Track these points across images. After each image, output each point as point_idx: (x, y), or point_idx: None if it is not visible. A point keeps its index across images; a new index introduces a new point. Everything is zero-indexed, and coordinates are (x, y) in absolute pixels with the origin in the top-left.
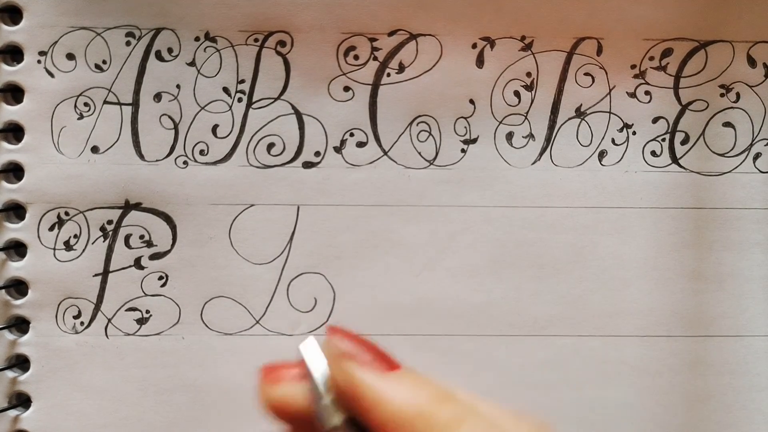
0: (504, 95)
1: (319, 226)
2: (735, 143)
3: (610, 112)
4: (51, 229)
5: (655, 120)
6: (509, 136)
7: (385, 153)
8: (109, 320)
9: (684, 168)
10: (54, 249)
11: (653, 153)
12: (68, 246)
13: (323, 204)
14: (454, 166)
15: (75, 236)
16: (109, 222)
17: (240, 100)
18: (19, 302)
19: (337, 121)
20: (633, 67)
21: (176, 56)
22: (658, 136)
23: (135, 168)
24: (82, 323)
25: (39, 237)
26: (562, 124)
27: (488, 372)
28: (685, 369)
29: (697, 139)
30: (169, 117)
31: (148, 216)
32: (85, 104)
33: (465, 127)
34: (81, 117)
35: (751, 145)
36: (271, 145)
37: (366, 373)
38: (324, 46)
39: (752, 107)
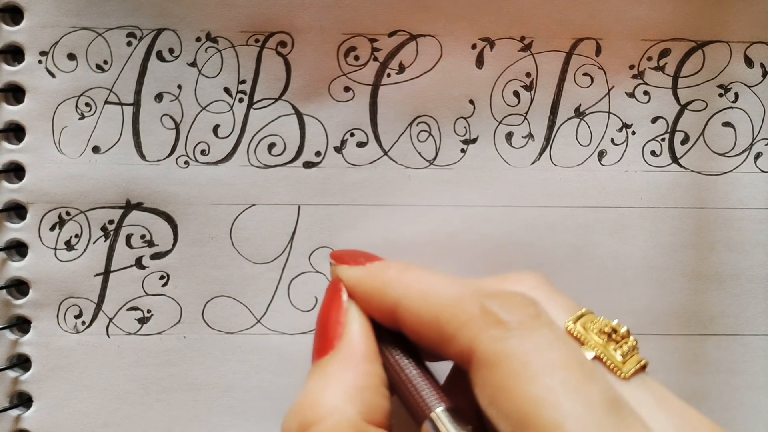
0: (503, 95)
1: (320, 225)
2: (735, 143)
3: (609, 112)
4: (52, 228)
5: (654, 120)
6: (509, 136)
7: (386, 153)
8: (111, 320)
9: (684, 168)
10: (55, 249)
11: (653, 153)
12: (69, 246)
13: (324, 204)
14: (453, 166)
15: (76, 236)
16: (111, 222)
17: (241, 100)
18: (20, 302)
19: (338, 122)
20: (631, 67)
21: (177, 57)
22: (657, 136)
23: (136, 168)
24: (83, 323)
25: (40, 237)
26: (561, 124)
27: None
28: (683, 366)
29: (697, 139)
30: (171, 117)
31: (149, 216)
32: (87, 104)
33: (465, 127)
34: (82, 117)
35: (752, 144)
36: (271, 145)
37: (342, 267)
38: (324, 46)
39: (751, 107)
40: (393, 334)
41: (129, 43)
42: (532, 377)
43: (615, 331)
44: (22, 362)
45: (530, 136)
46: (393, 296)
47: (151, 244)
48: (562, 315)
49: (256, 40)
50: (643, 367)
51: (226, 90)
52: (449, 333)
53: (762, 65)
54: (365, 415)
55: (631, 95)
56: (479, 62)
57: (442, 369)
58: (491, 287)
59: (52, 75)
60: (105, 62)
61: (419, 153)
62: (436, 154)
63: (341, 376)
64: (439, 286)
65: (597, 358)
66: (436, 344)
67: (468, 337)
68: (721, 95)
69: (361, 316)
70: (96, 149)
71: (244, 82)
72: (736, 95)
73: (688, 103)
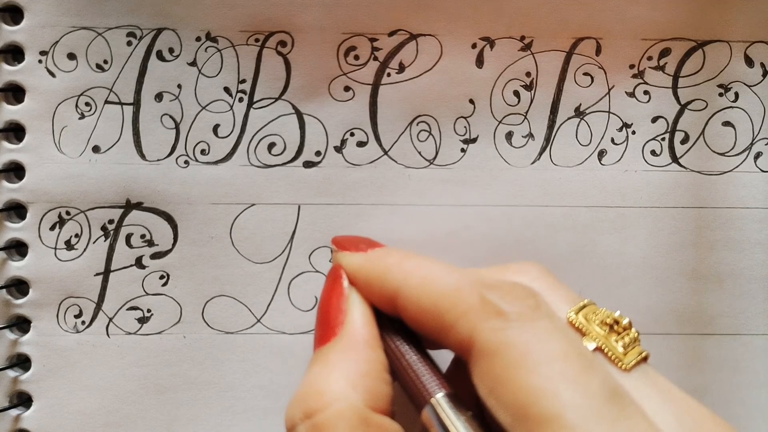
0: (503, 95)
1: (320, 225)
2: (735, 142)
3: (609, 112)
4: (52, 228)
5: (654, 119)
6: (509, 135)
7: (386, 152)
8: (111, 319)
9: (684, 167)
10: (55, 248)
11: (653, 152)
12: (69, 245)
13: (324, 203)
14: (453, 166)
15: (76, 236)
16: (111, 221)
17: (241, 99)
18: (20, 302)
19: (338, 121)
20: (632, 66)
21: (177, 56)
22: (657, 136)
23: (136, 167)
24: (83, 322)
25: (40, 236)
26: (561, 124)
27: None
28: (683, 365)
29: (697, 139)
30: (171, 117)
31: (149, 215)
32: (87, 104)
33: (465, 127)
34: (82, 117)
35: (752, 144)
36: (271, 145)
37: (343, 253)
38: (324, 46)
39: (751, 107)
40: (394, 321)
41: (129, 43)
42: (531, 367)
43: (617, 322)
44: (21, 362)
45: (530, 135)
46: (393, 283)
47: (151, 243)
48: (563, 306)
49: (256, 40)
50: (645, 359)
51: (226, 89)
52: (448, 322)
53: (762, 65)
54: (369, 401)
55: (631, 95)
56: (479, 62)
57: (444, 358)
58: (492, 277)
59: (52, 74)
60: (105, 62)
61: (419, 152)
62: (436, 153)
63: (344, 363)
64: (439, 274)
65: (598, 349)
66: (435, 333)
67: (467, 328)
68: (721, 95)
69: (362, 302)
70: (96, 149)
71: (244, 81)
72: (736, 95)
73: (688, 102)
